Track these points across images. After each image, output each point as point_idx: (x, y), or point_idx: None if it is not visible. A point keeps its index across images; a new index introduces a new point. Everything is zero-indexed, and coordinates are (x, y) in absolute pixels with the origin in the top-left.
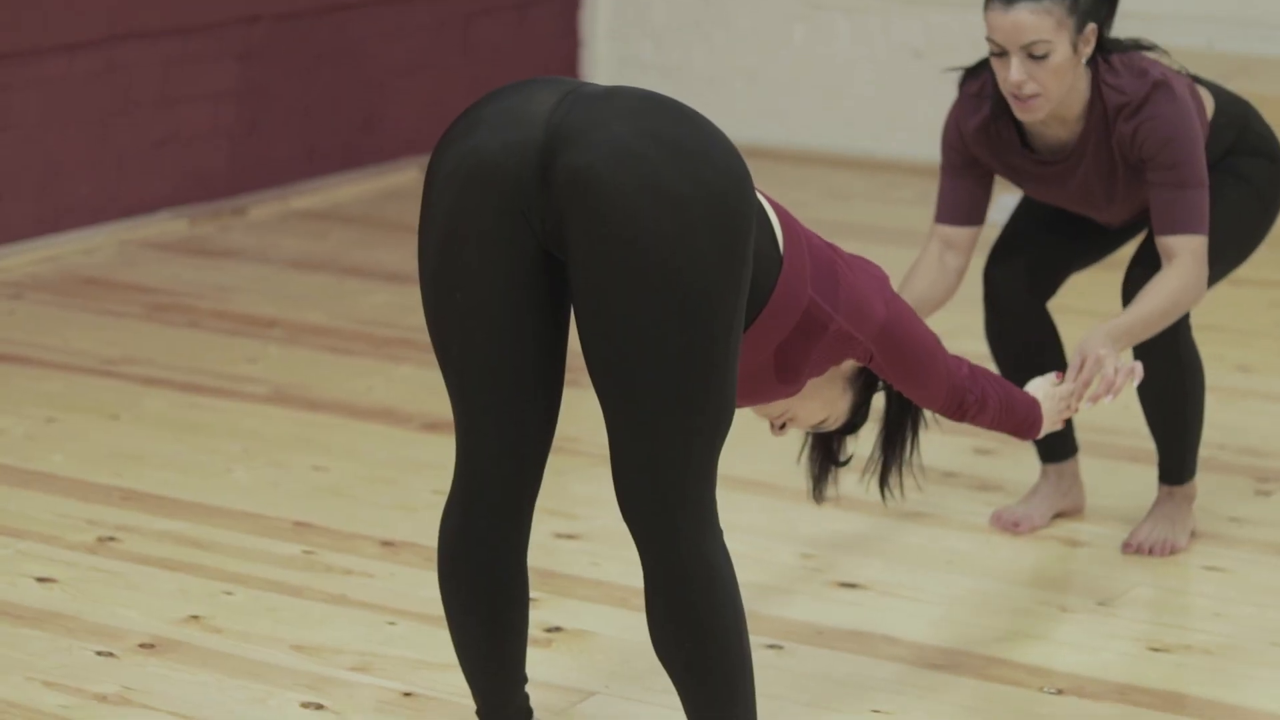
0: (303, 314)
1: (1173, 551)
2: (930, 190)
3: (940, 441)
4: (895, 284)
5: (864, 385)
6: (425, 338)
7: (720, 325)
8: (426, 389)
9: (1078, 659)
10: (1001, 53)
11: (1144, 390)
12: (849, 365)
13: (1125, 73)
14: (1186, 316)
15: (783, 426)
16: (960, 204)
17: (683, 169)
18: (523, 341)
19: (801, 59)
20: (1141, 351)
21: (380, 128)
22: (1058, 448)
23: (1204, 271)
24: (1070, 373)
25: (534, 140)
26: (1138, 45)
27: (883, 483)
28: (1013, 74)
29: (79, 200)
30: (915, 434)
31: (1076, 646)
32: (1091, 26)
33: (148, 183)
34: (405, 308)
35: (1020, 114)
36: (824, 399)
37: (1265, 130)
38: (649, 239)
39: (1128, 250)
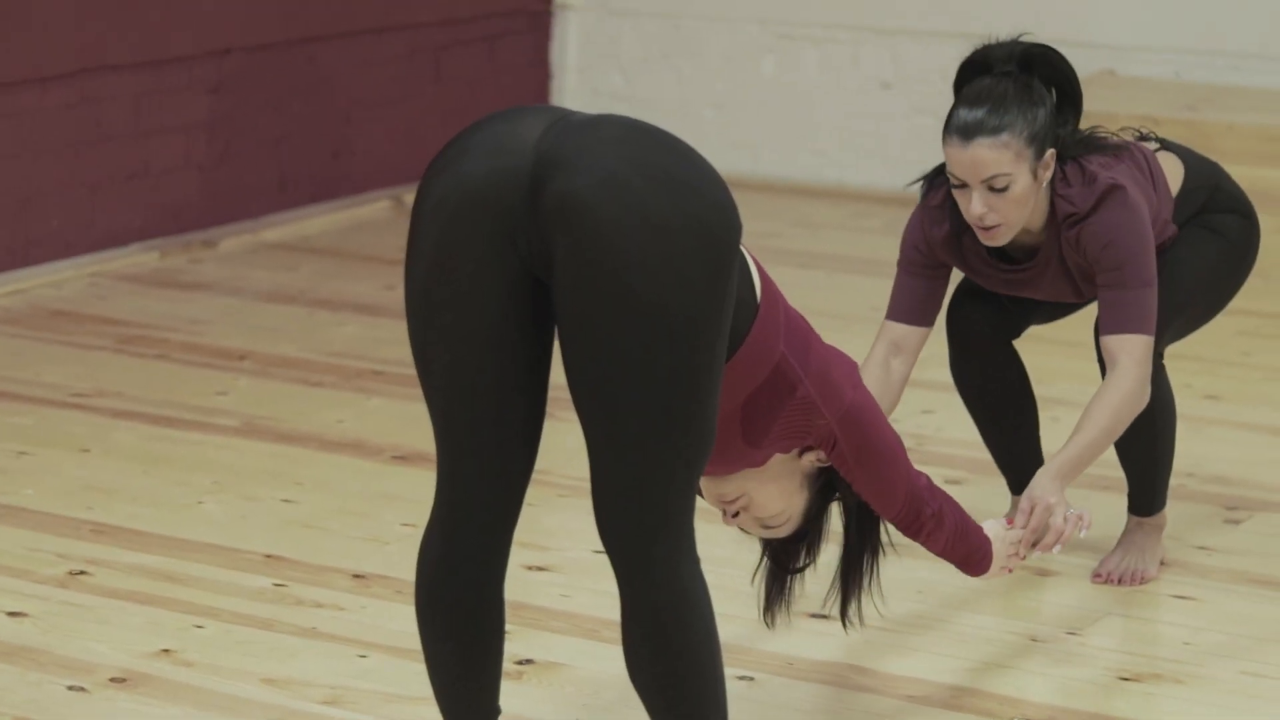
0: (273, 346)
1: (1142, 581)
2: (898, 220)
3: None
4: None
5: (821, 488)
6: (396, 370)
7: (703, 353)
8: (397, 421)
9: (1048, 688)
10: (962, 184)
11: None
12: (809, 461)
13: (1077, 182)
14: (1160, 363)
15: (735, 515)
16: (915, 304)
17: (669, 197)
18: (507, 365)
19: (770, 90)
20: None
21: (351, 159)
22: (1027, 481)
23: (1145, 372)
24: (1019, 519)
25: (522, 167)
26: (1091, 141)
27: (843, 612)
28: (974, 207)
29: (49, 233)
30: (875, 560)
31: (1047, 676)
32: (1050, 152)
33: (118, 215)
34: (376, 340)
35: (984, 240)
36: (781, 489)
37: (1235, 190)
38: (634, 266)
39: None
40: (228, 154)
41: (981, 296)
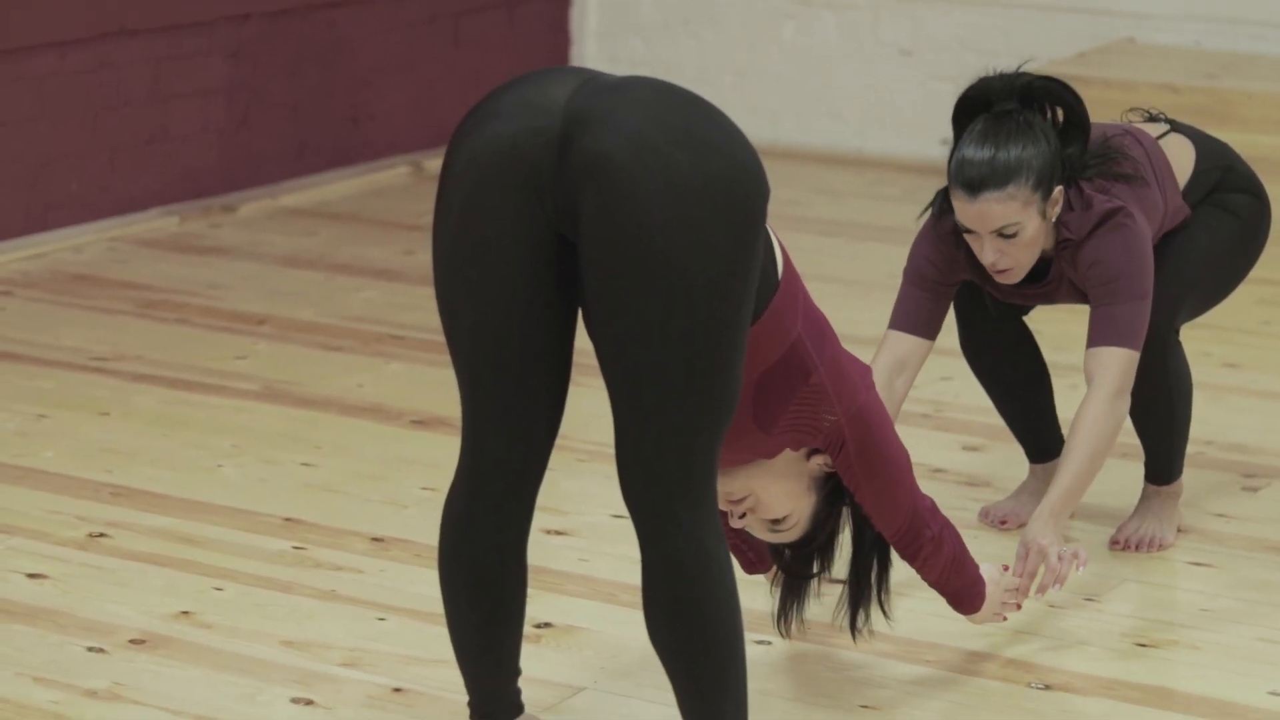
0: (292, 311)
1: (1160, 548)
2: (918, 188)
3: (929, 438)
4: None
5: (829, 494)
6: (415, 335)
7: (727, 315)
8: (416, 385)
9: (1065, 654)
10: (972, 231)
11: (1133, 401)
12: (816, 465)
13: (1078, 207)
14: (1175, 335)
15: (743, 516)
16: (922, 318)
17: (696, 159)
18: (534, 324)
19: (790, 56)
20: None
21: (370, 125)
22: (1046, 447)
23: (1119, 386)
24: (1016, 565)
25: (552, 126)
26: (1098, 163)
27: (852, 625)
28: (986, 255)
29: (69, 197)
30: (884, 574)
31: (1064, 642)
32: (1058, 190)
33: (138, 180)
34: (395, 305)
35: (999, 280)
36: (788, 490)
37: (1247, 170)
38: (660, 227)
39: None
40: (247, 119)
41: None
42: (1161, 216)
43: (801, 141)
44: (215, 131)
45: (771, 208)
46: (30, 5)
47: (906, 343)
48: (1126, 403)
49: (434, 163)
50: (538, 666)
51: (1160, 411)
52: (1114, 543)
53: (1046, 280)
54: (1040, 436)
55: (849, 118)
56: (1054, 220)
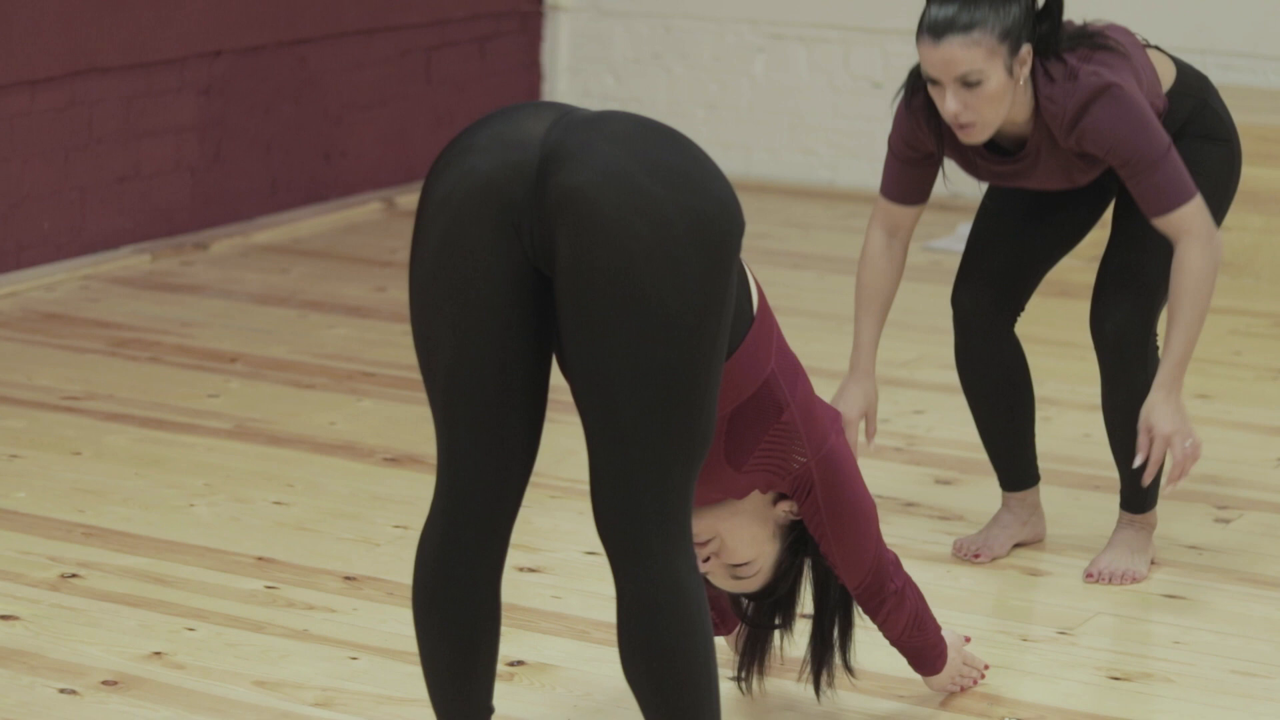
0: (265, 348)
1: (1134, 581)
2: None
3: (902, 472)
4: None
5: (793, 543)
6: (388, 372)
7: (702, 348)
8: (389, 423)
9: (1039, 688)
10: (936, 82)
11: (1108, 413)
12: (782, 511)
13: (1061, 80)
14: (1154, 343)
15: (707, 560)
16: (909, 186)
17: (672, 193)
18: (510, 359)
19: (761, 90)
20: (1108, 377)
21: (342, 161)
22: (1019, 476)
23: (1211, 229)
24: (1141, 444)
25: (528, 161)
26: (1074, 37)
27: (815, 684)
28: (949, 105)
29: (41, 236)
30: (847, 633)
31: (1038, 676)
32: (1026, 48)
33: (110, 218)
34: (367, 341)
35: (961, 138)
36: (753, 535)
37: (1222, 110)
38: (635, 261)
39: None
40: (219, 156)
41: (979, 275)
42: (1147, 94)
43: (773, 174)
44: (187, 169)
45: (743, 241)
46: (1, 43)
47: (896, 210)
48: (1218, 242)
49: (406, 199)
50: (511, 705)
51: (1133, 426)
52: (1089, 575)
53: (1021, 155)
54: (1017, 462)
55: (820, 151)
56: (1022, 82)
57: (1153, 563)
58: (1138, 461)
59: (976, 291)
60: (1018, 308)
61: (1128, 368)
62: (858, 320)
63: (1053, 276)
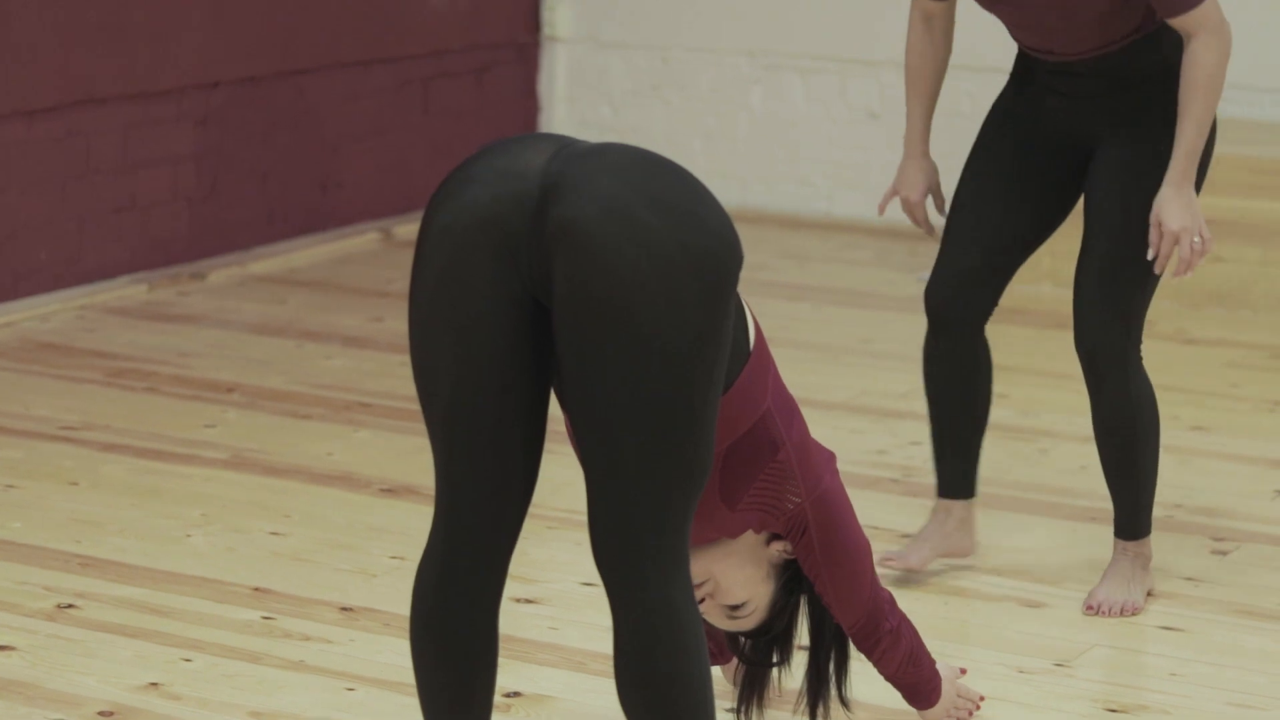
0: (261, 379)
1: (1133, 612)
2: (887, 251)
3: (899, 503)
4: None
5: (787, 582)
6: (385, 402)
7: (700, 380)
8: (386, 453)
9: None
10: None
11: (1095, 431)
12: (776, 551)
13: None
14: (1138, 354)
15: (702, 601)
16: None
17: (671, 226)
18: (509, 390)
19: (758, 121)
20: (1090, 393)
21: (339, 192)
22: (957, 484)
23: (1223, 21)
24: (1151, 238)
25: (528, 192)
26: None
27: (811, 716)
28: None
29: (38, 266)
30: (843, 668)
31: (1034, 708)
32: None
33: (106, 248)
34: (364, 372)
35: None
36: (747, 576)
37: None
38: (633, 294)
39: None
40: (216, 187)
41: (953, 272)
42: None
43: (769, 205)
44: (184, 199)
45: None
46: None
47: (928, 4)
48: (1228, 34)
49: (403, 229)
50: None
51: (1130, 453)
52: (1088, 608)
53: None
54: (959, 466)
55: (817, 181)
56: None
57: (1149, 594)
58: (1150, 255)
59: (950, 292)
60: (991, 306)
61: (1104, 384)
62: (908, 104)
63: (1050, 309)
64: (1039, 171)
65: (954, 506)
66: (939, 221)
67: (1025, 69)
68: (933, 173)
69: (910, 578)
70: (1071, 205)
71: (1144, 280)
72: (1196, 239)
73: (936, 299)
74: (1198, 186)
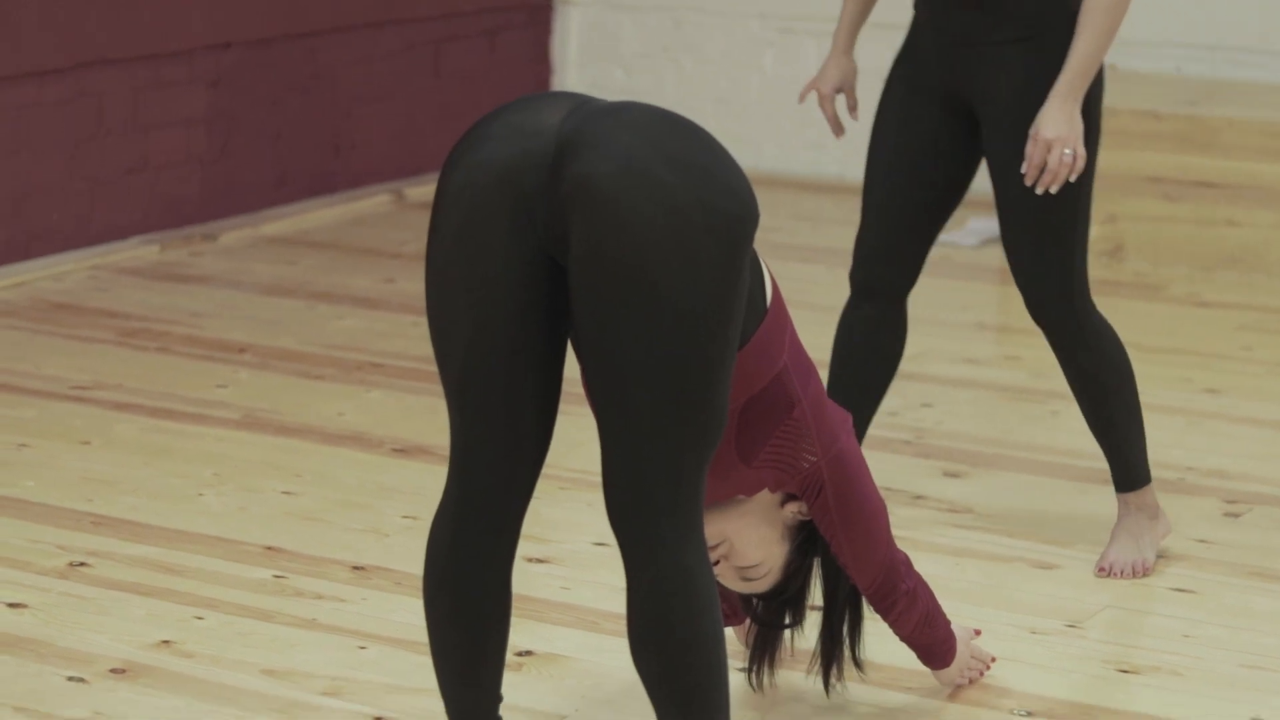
0: (273, 339)
1: (1145, 571)
2: None
3: (910, 465)
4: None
5: (801, 544)
6: (396, 363)
7: (715, 339)
8: (397, 413)
9: (1047, 681)
10: None
11: (1072, 387)
12: (791, 513)
13: None
14: (1089, 305)
15: (716, 563)
16: None
17: (687, 184)
18: (524, 349)
19: (771, 84)
20: (1058, 353)
21: (351, 154)
22: None
23: None
24: (1027, 150)
25: (544, 151)
26: None
27: (825, 680)
28: None
29: (50, 226)
30: (856, 629)
31: (1046, 669)
32: None
33: (119, 209)
34: (376, 332)
35: None
36: (761, 537)
37: None
38: (649, 251)
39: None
40: (227, 148)
41: (876, 252)
42: None
43: (783, 169)
44: (196, 161)
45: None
46: (8, 35)
47: None
48: None
49: (415, 191)
50: (520, 695)
51: (1111, 402)
52: (1100, 569)
53: None
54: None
55: (830, 145)
56: None
57: (1160, 555)
58: (1023, 167)
59: (871, 267)
60: (914, 275)
61: (1066, 347)
62: (844, 2)
63: None
64: (944, 136)
65: None
66: (850, 123)
67: (919, 35)
68: (851, 73)
69: (916, 540)
70: (977, 163)
71: (1071, 232)
72: (1068, 151)
73: (859, 275)
74: (1094, 140)
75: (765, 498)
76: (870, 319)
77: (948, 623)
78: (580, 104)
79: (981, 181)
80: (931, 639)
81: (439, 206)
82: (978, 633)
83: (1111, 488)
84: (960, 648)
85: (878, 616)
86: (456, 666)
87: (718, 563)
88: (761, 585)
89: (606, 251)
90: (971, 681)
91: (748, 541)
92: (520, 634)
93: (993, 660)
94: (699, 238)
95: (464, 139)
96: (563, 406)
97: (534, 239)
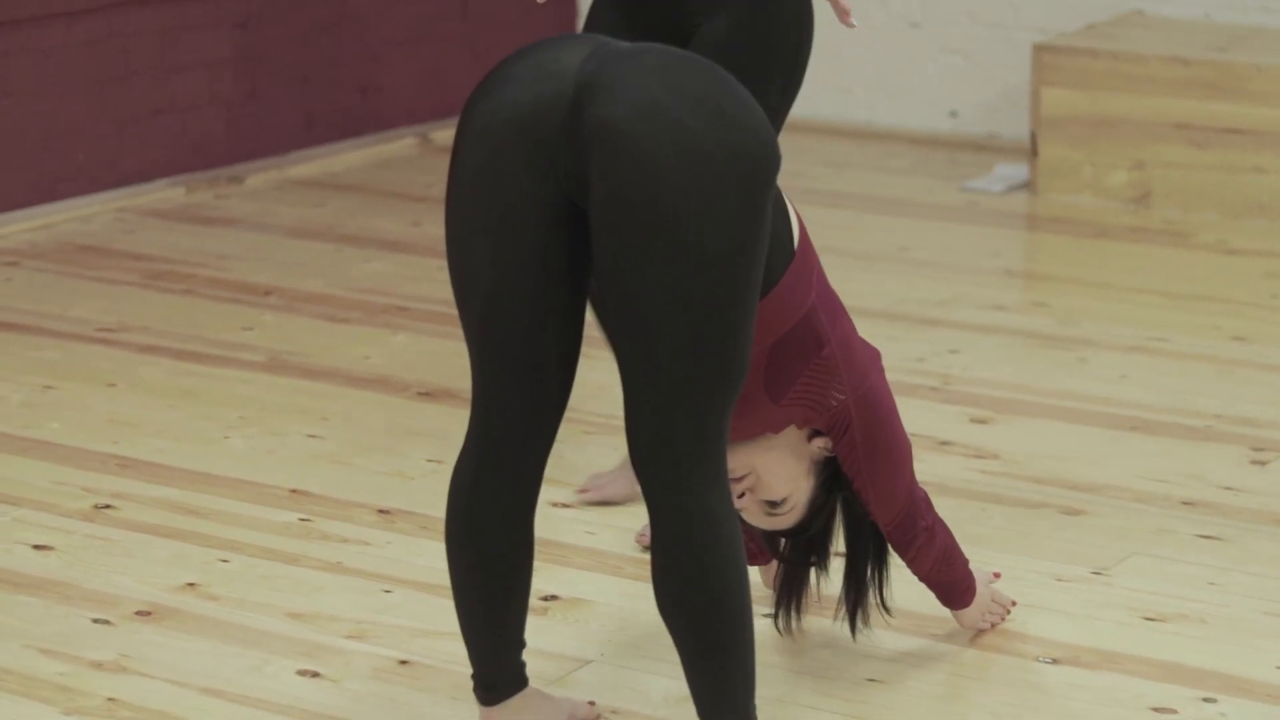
0: (300, 282)
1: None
2: (925, 160)
3: (937, 411)
4: None
5: (826, 481)
6: (423, 306)
7: (737, 281)
8: (423, 357)
9: (1073, 628)
10: None
11: None
12: (817, 448)
13: None
14: None
15: (741, 495)
16: None
17: (707, 126)
18: (545, 291)
19: None
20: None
21: (378, 96)
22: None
23: None
24: None
25: (564, 93)
26: None
27: (851, 623)
28: None
29: (76, 168)
30: (880, 572)
31: (1071, 615)
32: None
33: (145, 151)
34: (402, 276)
35: None
36: (789, 471)
37: None
38: (669, 193)
39: None
40: (255, 90)
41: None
42: None
43: (809, 114)
44: (223, 103)
45: (779, 180)
46: None
47: None
48: None
49: (442, 134)
50: (544, 639)
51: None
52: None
53: None
54: None
55: (857, 90)
56: None
57: (1184, 503)
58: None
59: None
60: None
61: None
62: None
63: (1088, 218)
64: None
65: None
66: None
67: None
68: None
69: (943, 485)
70: None
71: None
72: None
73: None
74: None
75: (792, 432)
76: None
77: (966, 562)
78: (601, 46)
79: (1006, 128)
80: (951, 578)
81: (459, 148)
82: (997, 576)
83: (1140, 436)
84: (981, 589)
85: (900, 560)
86: (478, 610)
87: (743, 495)
88: (787, 521)
89: (626, 194)
90: (993, 625)
91: (774, 475)
92: (544, 578)
93: (1013, 604)
94: (719, 180)
95: (484, 81)
96: (586, 350)
97: (554, 181)
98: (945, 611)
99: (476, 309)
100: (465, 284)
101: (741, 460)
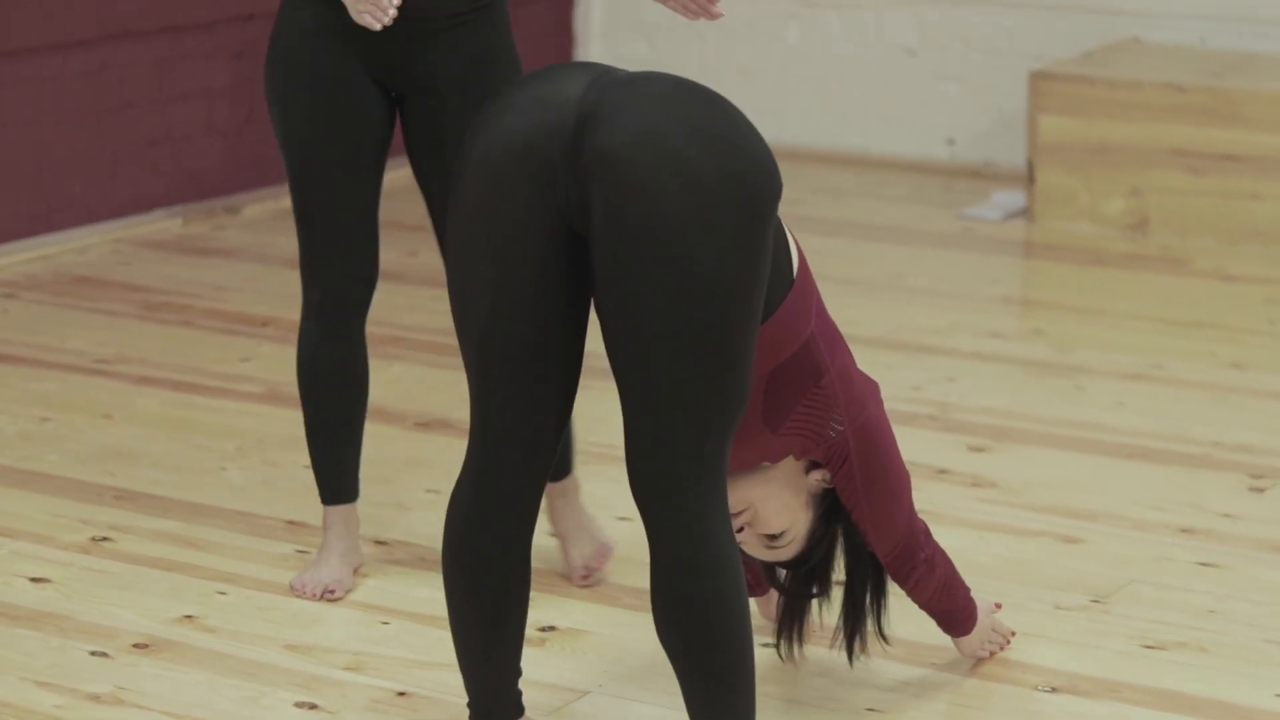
0: (296, 312)
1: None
2: (922, 187)
3: (935, 439)
4: None
5: (825, 512)
6: (419, 336)
7: (737, 310)
8: (419, 387)
9: (1072, 656)
10: None
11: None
12: (815, 480)
13: None
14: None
15: (740, 530)
16: None
17: (708, 153)
18: (545, 319)
19: (795, 57)
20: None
21: None
22: (346, 487)
23: None
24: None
25: (565, 121)
26: None
27: (849, 650)
28: None
29: (73, 199)
30: (879, 601)
31: (1070, 644)
32: None
33: (141, 181)
34: (397, 306)
35: None
36: (786, 504)
37: None
38: (670, 221)
39: None
40: (250, 120)
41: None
42: None
43: (806, 141)
44: (219, 133)
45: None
46: (32, 6)
47: None
48: None
49: None
50: (542, 670)
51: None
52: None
53: None
54: (345, 469)
55: (853, 118)
56: None
57: (1183, 530)
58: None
59: (329, 286)
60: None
61: None
62: None
63: (1085, 245)
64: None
65: (346, 511)
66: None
67: None
68: None
69: (940, 514)
70: (391, 137)
71: None
72: None
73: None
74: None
75: (790, 465)
76: (328, 355)
77: (967, 590)
78: (601, 74)
79: (1002, 155)
80: (951, 606)
81: (460, 177)
82: (998, 606)
83: (1137, 463)
84: (981, 618)
85: (899, 588)
86: (474, 638)
87: (741, 529)
88: (786, 553)
89: (627, 222)
90: (992, 654)
91: (772, 508)
92: (542, 609)
93: (1013, 634)
94: (720, 208)
95: (485, 109)
96: (585, 382)
97: (555, 210)
98: (945, 640)
99: (476, 336)
100: (465, 312)
101: (739, 496)
